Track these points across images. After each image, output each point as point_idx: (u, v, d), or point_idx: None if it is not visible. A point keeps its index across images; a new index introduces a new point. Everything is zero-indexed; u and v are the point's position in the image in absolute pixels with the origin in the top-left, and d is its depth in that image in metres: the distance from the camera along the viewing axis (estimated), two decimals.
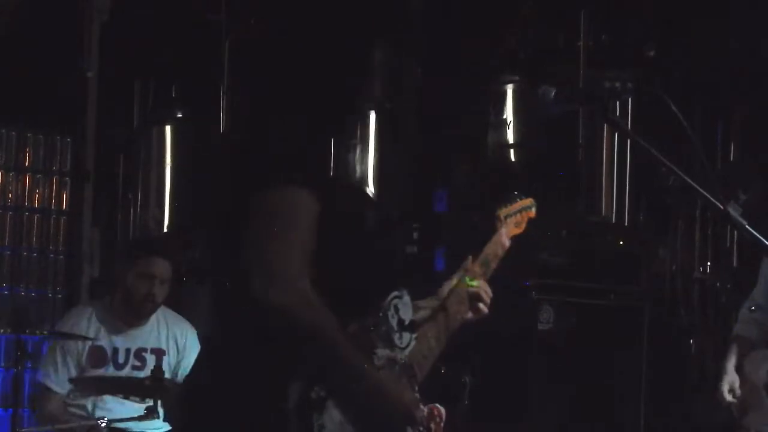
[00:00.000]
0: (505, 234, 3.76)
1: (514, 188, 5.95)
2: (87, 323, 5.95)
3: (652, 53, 6.95)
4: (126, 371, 5.89)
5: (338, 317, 2.93)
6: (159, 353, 5.97)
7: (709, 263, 7.09)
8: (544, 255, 6.39)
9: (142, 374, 5.81)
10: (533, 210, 3.92)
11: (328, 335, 2.88)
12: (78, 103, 7.91)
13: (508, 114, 6.84)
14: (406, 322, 3.14)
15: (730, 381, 5.47)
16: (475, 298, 3.54)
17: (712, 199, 3.10)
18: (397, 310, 3.12)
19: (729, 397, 5.45)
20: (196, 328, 6.08)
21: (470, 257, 3.63)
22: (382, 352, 3.08)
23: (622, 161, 6.73)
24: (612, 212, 6.76)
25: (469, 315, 3.53)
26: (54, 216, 7.90)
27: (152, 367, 5.80)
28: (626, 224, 6.80)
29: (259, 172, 2.96)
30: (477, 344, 6.20)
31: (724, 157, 7.20)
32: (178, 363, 6.00)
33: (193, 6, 7.60)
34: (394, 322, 3.11)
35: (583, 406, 6.31)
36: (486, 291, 3.58)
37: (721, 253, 7.11)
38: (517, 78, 6.84)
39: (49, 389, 5.83)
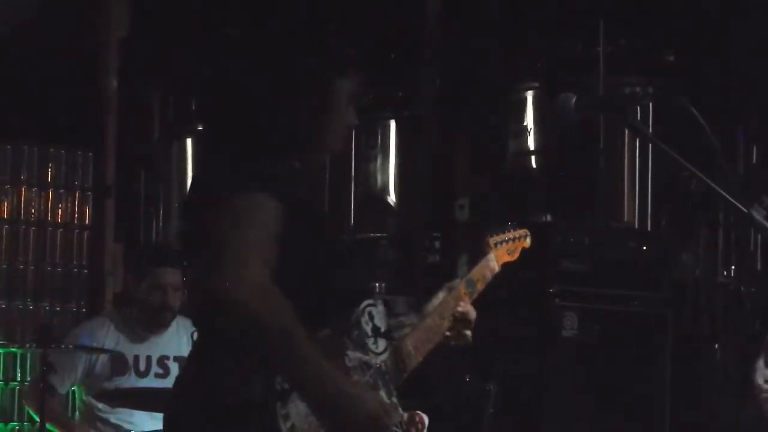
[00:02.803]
0: (495, 259, 3.86)
1: (535, 196, 5.96)
2: (105, 334, 5.98)
3: (671, 58, 6.94)
4: (148, 379, 5.92)
5: (313, 325, 3.04)
6: (182, 360, 5.99)
7: (732, 267, 7.06)
8: (566, 262, 6.38)
9: (166, 382, 5.84)
10: (527, 240, 4.04)
11: (285, 327, 2.94)
12: (98, 118, 7.94)
13: (529, 121, 6.84)
14: (382, 330, 3.27)
15: (765, 375, 5.43)
16: (462, 321, 3.61)
17: (735, 202, 3.09)
18: (371, 317, 3.25)
19: (766, 387, 5.40)
20: None
21: (457, 278, 3.73)
22: (353, 354, 3.19)
23: (644, 167, 6.72)
24: (634, 218, 6.75)
25: (452, 342, 3.61)
26: (77, 231, 7.93)
27: (176, 376, 5.83)
28: (649, 230, 6.78)
29: (219, 181, 3.08)
30: (501, 352, 6.20)
31: (746, 160, 7.18)
32: None
33: (211, 20, 7.62)
34: (368, 328, 3.24)
35: (608, 412, 6.29)
36: (467, 315, 3.64)
37: (745, 257, 7.08)
38: (537, 85, 6.84)
39: (53, 387, 5.84)
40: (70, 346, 5.84)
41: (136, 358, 5.96)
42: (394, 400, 3.29)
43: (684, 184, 6.71)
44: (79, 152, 7.96)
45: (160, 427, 5.57)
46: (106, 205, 7.94)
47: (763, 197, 6.43)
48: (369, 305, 3.25)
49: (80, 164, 7.96)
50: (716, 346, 6.93)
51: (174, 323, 6.05)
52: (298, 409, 3.01)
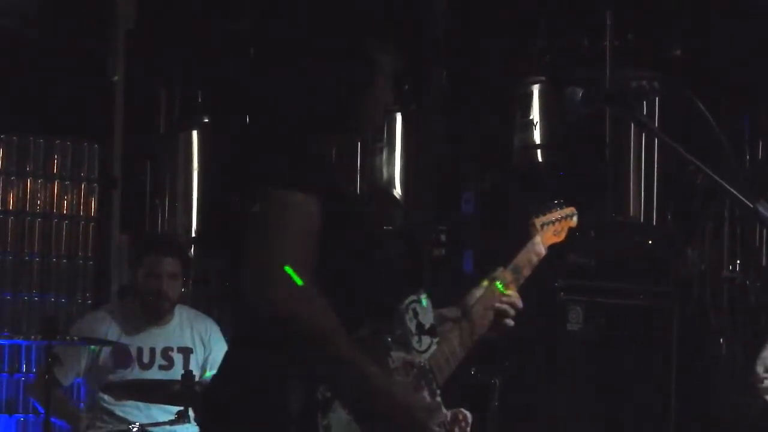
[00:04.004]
0: (541, 242, 3.70)
1: (542, 190, 5.94)
2: (106, 327, 5.98)
3: (678, 52, 6.93)
4: (153, 371, 5.92)
5: (351, 321, 2.94)
6: (186, 352, 6.00)
7: (738, 262, 7.05)
8: (572, 256, 6.38)
9: (170, 374, 5.84)
10: (574, 219, 3.87)
11: (328, 335, 2.86)
12: (104, 109, 7.94)
13: (535, 115, 6.83)
14: (426, 326, 3.15)
15: (766, 363, 5.37)
16: (503, 314, 3.50)
17: (740, 197, 3.08)
18: (415, 313, 3.13)
19: (766, 375, 5.35)
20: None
21: (501, 267, 3.59)
22: (397, 355, 3.08)
23: (650, 161, 6.71)
24: (640, 212, 6.74)
25: (492, 333, 3.48)
26: (82, 222, 7.94)
27: (181, 367, 5.85)
28: (654, 224, 6.78)
29: (257, 178, 2.98)
30: (506, 346, 6.20)
31: (752, 155, 7.17)
32: (206, 360, 6.04)
33: (217, 13, 7.62)
34: (412, 326, 3.12)
35: (612, 406, 6.29)
36: (516, 303, 3.53)
37: (751, 252, 7.07)
38: (543, 79, 6.83)
39: (57, 380, 5.84)
40: (75, 338, 5.84)
41: (140, 350, 5.96)
42: (438, 399, 3.20)
43: (690, 178, 6.71)
44: (85, 144, 7.96)
45: (166, 418, 5.62)
46: (112, 197, 7.95)
47: None
48: (413, 301, 3.12)
49: (86, 156, 7.97)
50: (721, 340, 6.93)
51: (177, 314, 6.06)
52: (339, 418, 2.90)
